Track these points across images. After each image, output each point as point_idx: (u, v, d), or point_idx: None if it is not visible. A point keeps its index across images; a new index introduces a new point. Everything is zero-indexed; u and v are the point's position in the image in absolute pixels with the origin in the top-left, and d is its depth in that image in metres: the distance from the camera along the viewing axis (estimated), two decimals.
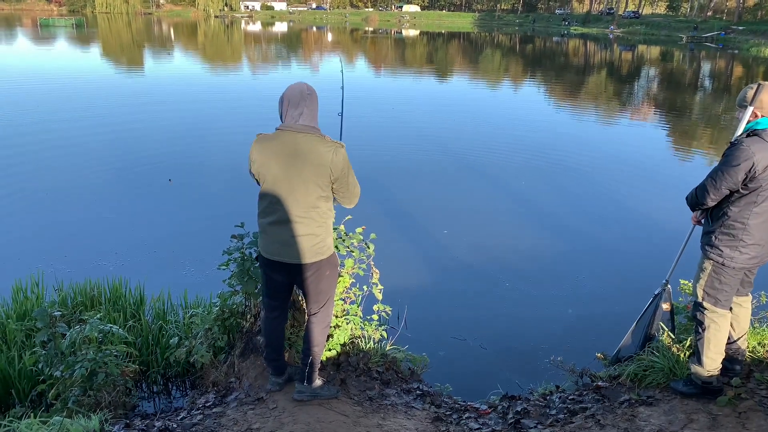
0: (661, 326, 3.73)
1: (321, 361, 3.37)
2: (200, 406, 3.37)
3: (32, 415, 3.07)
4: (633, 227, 7.79)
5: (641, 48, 49.38)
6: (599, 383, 3.56)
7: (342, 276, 3.77)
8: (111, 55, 32.43)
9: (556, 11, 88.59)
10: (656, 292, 3.75)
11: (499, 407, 3.52)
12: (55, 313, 3.50)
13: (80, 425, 2.79)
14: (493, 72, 30.08)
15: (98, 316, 3.72)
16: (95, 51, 34.63)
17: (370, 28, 72.44)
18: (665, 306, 3.73)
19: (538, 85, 25.85)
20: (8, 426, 2.62)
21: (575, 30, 68.56)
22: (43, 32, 47.64)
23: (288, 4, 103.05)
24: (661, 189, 9.61)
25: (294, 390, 3.20)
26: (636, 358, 3.62)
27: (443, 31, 69.76)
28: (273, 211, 2.80)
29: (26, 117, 13.57)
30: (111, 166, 9.96)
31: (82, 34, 46.98)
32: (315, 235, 2.83)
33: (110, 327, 3.56)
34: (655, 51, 46.62)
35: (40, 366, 3.43)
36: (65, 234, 6.92)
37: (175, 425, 3.11)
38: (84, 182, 8.94)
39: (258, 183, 2.90)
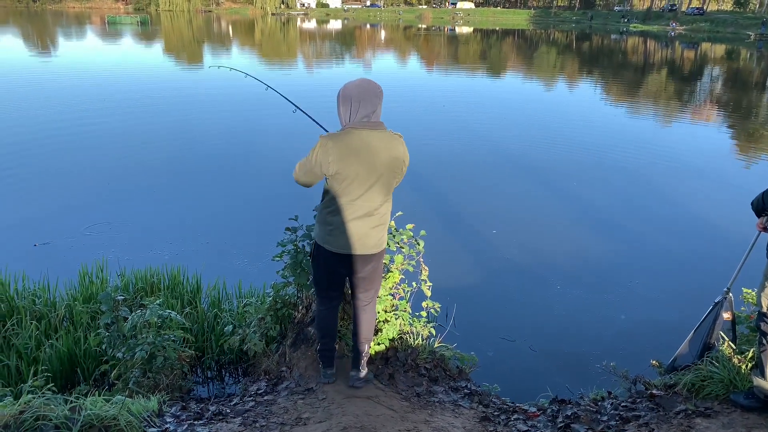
0: (722, 336, 3.59)
1: (370, 355, 3.42)
2: (252, 393, 3.47)
3: (96, 393, 3.23)
4: (692, 232, 7.51)
5: (705, 46, 47.38)
6: (654, 391, 3.46)
7: (392, 272, 3.81)
8: (173, 51, 33.52)
9: (615, 8, 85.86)
10: (717, 301, 3.61)
11: (549, 410, 3.47)
12: (118, 298, 3.66)
13: (140, 405, 2.92)
14: (548, 70, 29.49)
15: (158, 301, 3.85)
16: (158, 47, 35.85)
17: (424, 26, 72.16)
18: (726, 315, 3.58)
19: (594, 84, 25.20)
20: (75, 402, 2.76)
21: (635, 27, 66.33)
22: (110, 29, 49.65)
23: (343, 2, 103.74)
24: (723, 193, 9.22)
25: (347, 379, 3.30)
26: (694, 368, 3.49)
27: (497, 29, 68.81)
28: (354, 208, 2.85)
29: (92, 110, 14.20)
30: (171, 158, 10.33)
31: (147, 32, 48.69)
32: (383, 226, 2.96)
33: (169, 313, 3.70)
34: (719, 49, 44.62)
35: (103, 347, 3.59)
36: (126, 222, 7.20)
37: (228, 410, 3.21)
38: (144, 174, 9.29)
39: (329, 184, 2.88)
